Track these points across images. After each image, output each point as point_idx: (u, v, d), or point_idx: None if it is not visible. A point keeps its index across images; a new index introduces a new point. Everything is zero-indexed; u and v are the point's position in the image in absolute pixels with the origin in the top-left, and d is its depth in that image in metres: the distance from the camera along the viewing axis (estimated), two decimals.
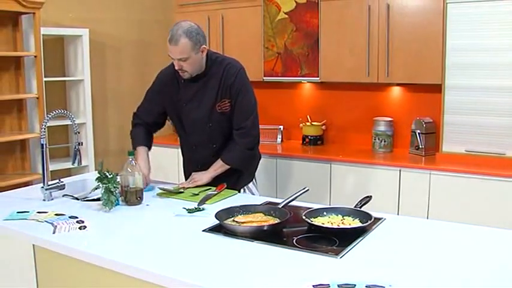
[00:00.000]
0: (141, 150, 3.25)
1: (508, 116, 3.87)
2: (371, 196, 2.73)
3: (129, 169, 2.78)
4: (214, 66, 3.16)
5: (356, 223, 2.41)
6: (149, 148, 3.33)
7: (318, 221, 2.42)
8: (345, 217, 2.49)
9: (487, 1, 3.84)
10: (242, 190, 3.30)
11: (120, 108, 5.50)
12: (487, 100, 3.93)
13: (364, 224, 2.36)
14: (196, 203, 2.76)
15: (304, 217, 2.43)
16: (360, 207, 2.62)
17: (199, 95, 3.17)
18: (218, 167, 3.19)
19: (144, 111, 3.38)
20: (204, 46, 3.07)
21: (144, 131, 3.35)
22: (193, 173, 3.22)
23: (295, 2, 4.69)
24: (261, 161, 4.70)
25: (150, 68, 5.57)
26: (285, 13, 4.75)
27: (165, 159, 5.12)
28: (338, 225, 2.38)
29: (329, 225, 2.37)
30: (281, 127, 5.20)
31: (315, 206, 2.67)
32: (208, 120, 3.17)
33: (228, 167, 3.20)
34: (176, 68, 3.06)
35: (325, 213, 2.53)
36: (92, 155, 5.12)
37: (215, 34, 5.13)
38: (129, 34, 5.51)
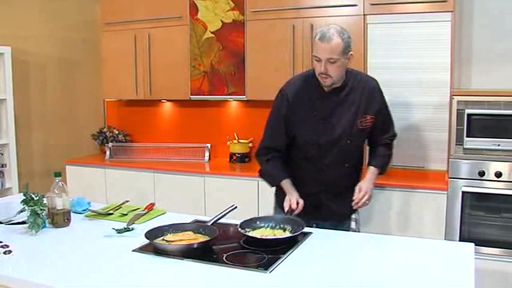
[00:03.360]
0: (287, 183, 3.02)
1: (427, 130, 4.07)
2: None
3: (56, 190, 2.75)
4: (352, 78, 2.98)
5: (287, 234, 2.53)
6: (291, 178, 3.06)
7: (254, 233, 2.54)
8: (275, 230, 2.62)
9: (404, 22, 4.05)
10: (353, 218, 3.18)
11: (45, 128, 5.39)
12: (407, 116, 4.10)
13: (289, 236, 2.50)
14: (125, 223, 2.75)
15: (239, 228, 2.54)
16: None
17: (338, 110, 2.95)
18: (374, 175, 3.07)
19: (273, 140, 3.10)
20: (352, 53, 2.88)
21: (280, 163, 3.09)
22: (359, 185, 2.99)
23: (222, 21, 4.75)
24: (189, 179, 4.74)
25: (76, 87, 5.53)
26: (212, 32, 4.81)
27: (93, 179, 5.05)
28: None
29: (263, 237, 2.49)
30: (208, 145, 5.22)
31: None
32: (348, 137, 2.97)
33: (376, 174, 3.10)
34: (321, 70, 2.81)
35: (258, 222, 2.69)
36: (15, 177, 4.98)
37: (142, 53, 5.12)
38: (53, 52, 5.41)
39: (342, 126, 2.94)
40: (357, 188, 2.97)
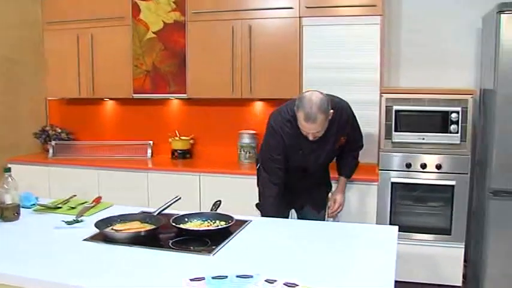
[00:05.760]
0: None
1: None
2: (221, 201, 3.02)
3: (5, 186, 2.83)
4: None
5: (222, 225, 2.69)
6: None
7: (186, 226, 2.69)
8: (211, 221, 2.77)
9: (337, 25, 4.32)
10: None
11: None
12: None
13: (228, 225, 2.64)
14: (74, 216, 2.85)
15: (172, 223, 2.65)
16: (215, 210, 2.93)
17: (321, 144, 3.28)
18: (345, 185, 3.73)
19: (281, 164, 3.34)
20: (332, 111, 3.10)
21: (279, 201, 3.37)
22: (332, 196, 3.70)
23: (163, 22, 4.89)
24: (132, 176, 4.83)
25: (17, 86, 5.52)
26: (153, 33, 4.93)
27: (36, 177, 5.07)
28: (207, 227, 2.69)
29: (196, 228, 2.65)
30: (151, 142, 5.34)
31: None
32: (330, 158, 3.53)
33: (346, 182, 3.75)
34: (310, 138, 3.13)
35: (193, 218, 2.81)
36: None
37: (85, 52, 5.18)
38: None
39: (326, 153, 3.38)
40: (331, 200, 3.68)
